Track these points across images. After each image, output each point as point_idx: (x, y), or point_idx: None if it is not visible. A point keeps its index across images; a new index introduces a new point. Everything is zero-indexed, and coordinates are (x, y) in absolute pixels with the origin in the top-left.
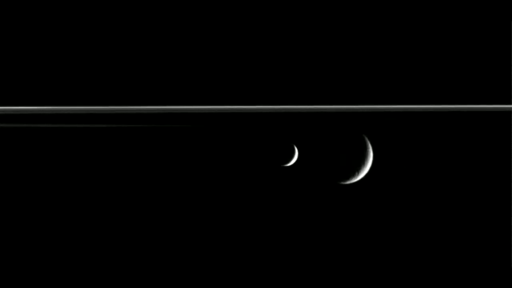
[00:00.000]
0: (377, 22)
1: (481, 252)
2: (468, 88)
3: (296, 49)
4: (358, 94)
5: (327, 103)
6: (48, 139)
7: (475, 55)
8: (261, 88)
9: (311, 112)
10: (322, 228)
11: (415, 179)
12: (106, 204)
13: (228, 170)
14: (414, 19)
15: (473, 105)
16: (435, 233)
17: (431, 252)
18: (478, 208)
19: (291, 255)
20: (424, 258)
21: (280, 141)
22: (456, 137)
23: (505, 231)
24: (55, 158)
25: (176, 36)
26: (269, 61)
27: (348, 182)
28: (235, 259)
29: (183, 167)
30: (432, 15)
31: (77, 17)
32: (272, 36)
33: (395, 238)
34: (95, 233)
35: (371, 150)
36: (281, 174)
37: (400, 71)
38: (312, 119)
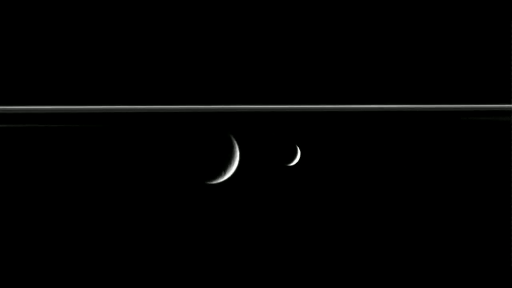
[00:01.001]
0: (377, 22)
1: (481, 252)
2: (468, 88)
3: (295, 49)
4: (357, 94)
5: (327, 103)
6: (48, 139)
7: (475, 55)
8: (261, 88)
9: (313, 112)
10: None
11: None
12: (106, 204)
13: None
14: (414, 19)
15: (473, 105)
16: (432, 233)
17: (430, 252)
18: (478, 208)
19: (291, 255)
20: (422, 258)
21: (282, 141)
22: (455, 137)
23: (505, 231)
24: (54, 158)
25: (176, 36)
26: (269, 61)
27: (215, 181)
28: (235, 259)
29: (183, 166)
30: (432, 15)
31: (77, 17)
32: (272, 36)
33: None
34: (94, 233)
35: (237, 150)
36: (284, 173)
37: (400, 71)
38: (314, 119)
